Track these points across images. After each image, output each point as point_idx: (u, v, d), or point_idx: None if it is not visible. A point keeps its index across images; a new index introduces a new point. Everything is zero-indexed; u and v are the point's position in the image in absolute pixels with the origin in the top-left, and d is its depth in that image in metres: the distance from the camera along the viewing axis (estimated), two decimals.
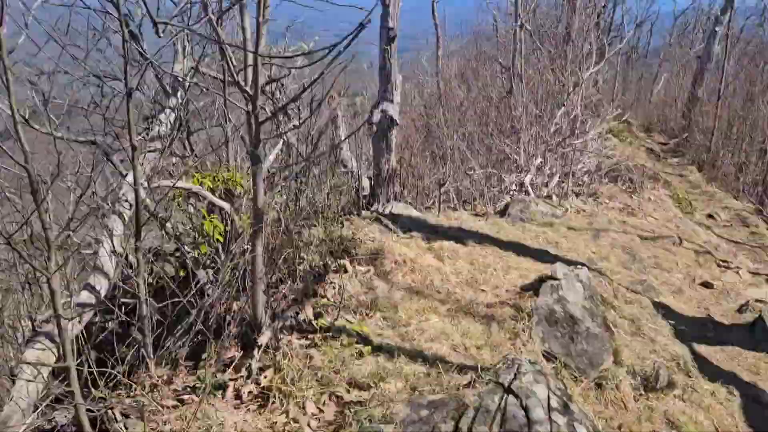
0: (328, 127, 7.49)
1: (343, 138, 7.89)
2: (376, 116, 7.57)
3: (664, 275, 6.53)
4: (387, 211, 5.99)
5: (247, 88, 2.65)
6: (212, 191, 4.03)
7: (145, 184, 3.58)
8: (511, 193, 7.72)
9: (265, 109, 2.89)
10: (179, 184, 3.72)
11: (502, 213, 6.92)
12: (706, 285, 6.61)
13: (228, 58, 2.47)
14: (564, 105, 8.48)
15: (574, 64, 8.95)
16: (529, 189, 7.61)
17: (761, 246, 9.14)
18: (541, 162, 8.24)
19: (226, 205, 3.70)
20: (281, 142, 3.75)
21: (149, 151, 3.97)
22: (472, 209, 7.23)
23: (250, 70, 2.94)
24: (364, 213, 5.35)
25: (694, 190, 12.15)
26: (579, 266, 4.51)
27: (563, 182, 8.42)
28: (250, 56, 2.80)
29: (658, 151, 15.63)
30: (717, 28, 17.30)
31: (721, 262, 7.70)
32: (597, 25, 21.69)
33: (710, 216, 10.21)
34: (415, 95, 13.31)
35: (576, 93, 8.49)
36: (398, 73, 7.48)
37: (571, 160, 8.55)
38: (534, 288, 4.28)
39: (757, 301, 6.36)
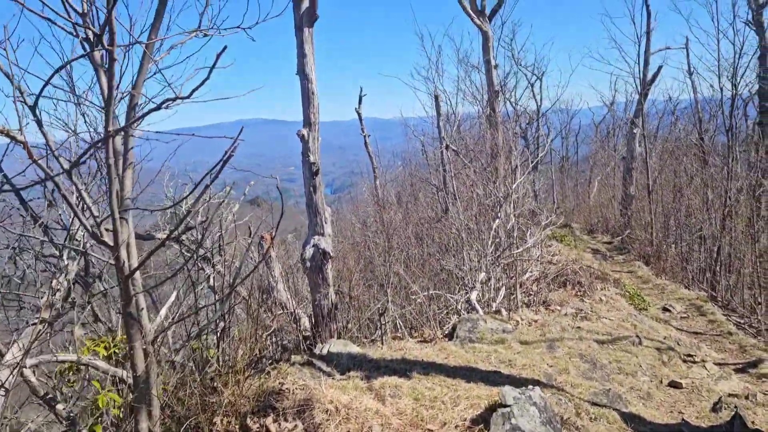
0: (258, 267, 7.15)
1: (277, 278, 7.54)
2: (309, 251, 7.31)
3: (629, 380, 6.13)
4: (324, 351, 5.51)
5: (106, 239, 2.32)
6: (109, 359, 3.56)
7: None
8: (459, 312, 7.39)
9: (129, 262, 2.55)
10: (63, 356, 3.24)
11: (450, 335, 6.52)
12: (675, 385, 6.22)
13: (75, 211, 2.16)
14: (498, 217, 8.47)
15: (502, 177, 9.11)
16: (477, 306, 7.30)
17: (721, 334, 8.94)
18: (485, 276, 8.03)
19: (119, 372, 3.22)
20: (174, 294, 3.39)
21: (34, 323, 3.52)
22: (419, 335, 6.82)
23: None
24: (294, 358, 4.87)
25: (645, 284, 12.12)
26: (531, 387, 4.10)
27: (512, 294, 8.17)
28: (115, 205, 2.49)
29: (603, 251, 15.82)
30: (635, 130, 18.48)
31: (686, 357, 7.39)
32: (525, 138, 22.98)
33: (665, 309, 10.06)
34: (356, 224, 13.30)
35: (508, 204, 8.53)
36: (326, 206, 7.36)
37: (516, 271, 8.37)
38: (484, 419, 3.83)
39: (730, 395, 6.00)
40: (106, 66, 2.29)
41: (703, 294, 11.57)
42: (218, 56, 2.12)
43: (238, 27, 2.61)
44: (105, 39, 2.07)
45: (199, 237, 4.93)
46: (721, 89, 14.57)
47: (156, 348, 2.94)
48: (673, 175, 16.37)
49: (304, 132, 6.97)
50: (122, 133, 2.40)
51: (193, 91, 2.14)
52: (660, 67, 17.60)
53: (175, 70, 4.51)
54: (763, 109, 16.03)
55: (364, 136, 16.83)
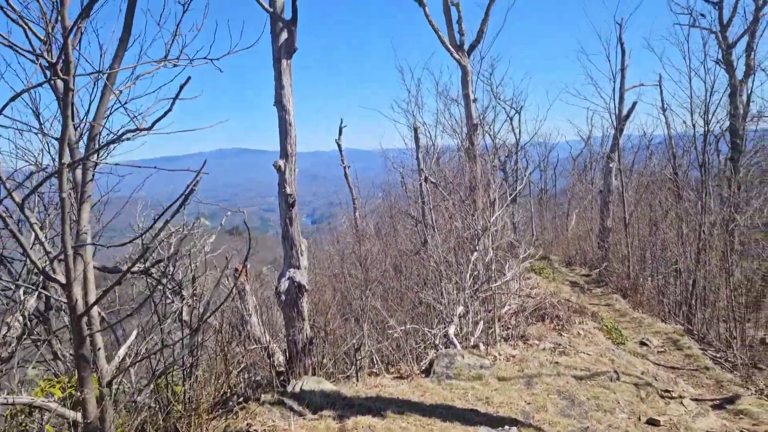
0: (232, 299, 6.98)
1: (251, 311, 7.36)
2: (284, 284, 7.16)
3: (607, 417, 6.03)
4: (297, 389, 5.34)
5: (59, 276, 2.20)
6: (65, 400, 3.37)
7: None
8: (437, 346, 7.26)
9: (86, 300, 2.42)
10: (15, 399, 3.06)
11: (427, 371, 6.39)
12: (653, 422, 6.14)
13: (23, 247, 2.04)
14: (477, 250, 8.42)
15: (481, 209, 9.11)
16: (454, 340, 7.19)
17: (698, 369, 8.92)
18: (463, 310, 7.93)
19: (72, 415, 3.04)
20: (134, 332, 3.24)
21: None
22: (395, 371, 6.67)
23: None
24: (264, 397, 4.69)
25: (622, 318, 12.11)
26: (507, 427, 3.99)
27: (490, 328, 8.08)
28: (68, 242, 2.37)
29: (581, 284, 15.86)
30: (611, 165, 18.76)
31: (663, 393, 7.33)
32: (503, 171, 23.20)
33: (643, 343, 10.04)
34: (334, 256, 13.17)
35: (486, 237, 8.50)
36: (303, 237, 7.25)
37: (494, 304, 8.30)
38: None
39: None
40: (62, 95, 2.20)
41: (679, 327, 11.59)
42: (182, 87, 2.06)
43: (205, 58, 2.55)
44: (61, 68, 1.99)
45: (169, 269, 4.78)
46: (694, 125, 14.87)
47: (113, 390, 2.79)
48: (649, 208, 16.57)
49: (281, 163, 6.90)
50: (79, 165, 2.31)
51: (155, 122, 2.06)
52: (635, 103, 17.98)
53: (146, 100, 4.43)
54: (734, 145, 16.45)
55: (344, 167, 16.87)
